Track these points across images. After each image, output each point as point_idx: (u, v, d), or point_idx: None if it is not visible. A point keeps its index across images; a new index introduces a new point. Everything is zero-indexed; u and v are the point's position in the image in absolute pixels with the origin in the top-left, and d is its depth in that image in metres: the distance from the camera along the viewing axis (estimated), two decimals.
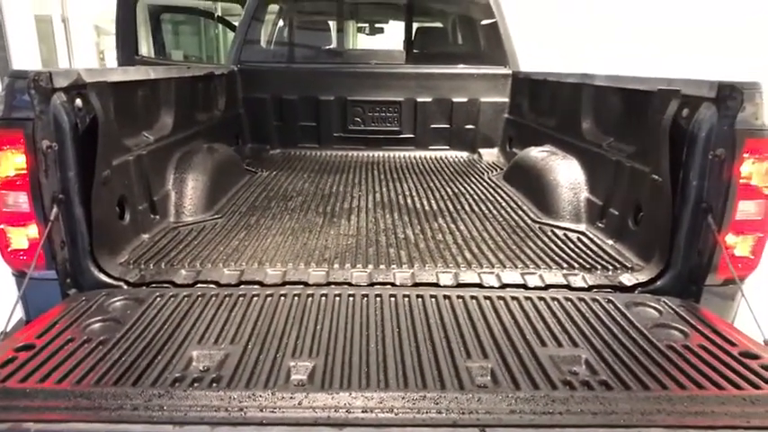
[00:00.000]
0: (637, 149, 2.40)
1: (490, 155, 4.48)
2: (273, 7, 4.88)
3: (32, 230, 1.90)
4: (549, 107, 3.61)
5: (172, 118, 2.86)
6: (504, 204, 3.12)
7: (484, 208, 3.05)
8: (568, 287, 2.03)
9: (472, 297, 1.89)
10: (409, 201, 3.20)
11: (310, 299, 1.86)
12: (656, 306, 1.83)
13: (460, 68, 4.50)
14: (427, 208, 3.05)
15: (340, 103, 4.41)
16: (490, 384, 1.40)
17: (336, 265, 2.19)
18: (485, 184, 3.61)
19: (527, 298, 1.88)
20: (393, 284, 2.04)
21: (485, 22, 4.59)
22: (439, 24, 5.18)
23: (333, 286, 2.01)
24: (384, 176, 3.83)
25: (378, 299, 1.86)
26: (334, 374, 1.41)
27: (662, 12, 8.51)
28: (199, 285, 2.01)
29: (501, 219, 2.85)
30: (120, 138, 2.29)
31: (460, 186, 3.54)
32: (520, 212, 2.96)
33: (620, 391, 1.36)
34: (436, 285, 2.03)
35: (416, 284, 2.04)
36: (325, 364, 1.46)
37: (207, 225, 2.67)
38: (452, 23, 5.15)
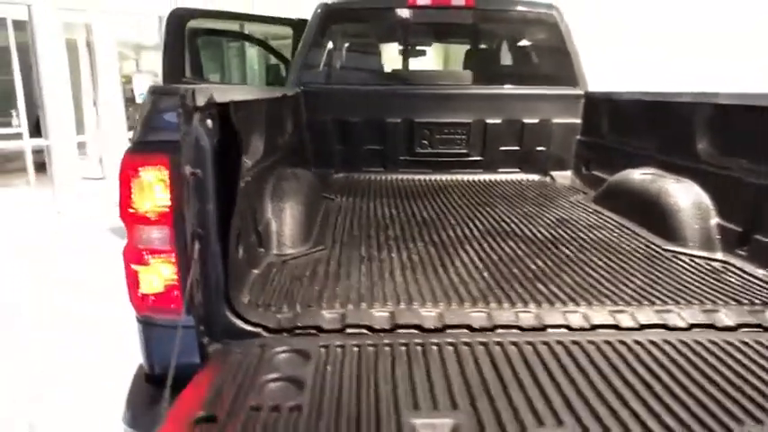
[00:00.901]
0: None
1: (563, 177, 4.27)
2: (336, 28, 4.68)
3: (167, 271, 1.63)
4: (646, 128, 3.41)
5: (263, 142, 2.62)
6: (617, 231, 2.88)
7: (600, 235, 2.81)
8: (761, 326, 1.79)
9: (665, 341, 1.64)
10: (515, 228, 2.95)
11: (498, 347, 1.59)
12: None
13: (530, 89, 4.32)
14: (540, 236, 2.80)
15: (406, 126, 4.19)
16: None
17: (493, 305, 1.92)
18: (579, 208, 3.38)
19: (737, 342, 1.63)
20: (569, 328, 1.78)
21: (554, 42, 4.42)
22: (506, 45, 5.02)
23: (500, 330, 1.74)
24: (468, 201, 3.58)
25: (591, 346, 1.59)
26: None
27: (669, 16, 8.42)
28: (348, 331, 1.74)
29: (627, 246, 2.61)
30: None
31: (557, 211, 3.31)
32: (640, 239, 2.72)
33: None
34: (616, 327, 1.77)
35: (594, 327, 1.78)
36: None
37: (316, 258, 2.40)
38: (521, 44, 4.99)
